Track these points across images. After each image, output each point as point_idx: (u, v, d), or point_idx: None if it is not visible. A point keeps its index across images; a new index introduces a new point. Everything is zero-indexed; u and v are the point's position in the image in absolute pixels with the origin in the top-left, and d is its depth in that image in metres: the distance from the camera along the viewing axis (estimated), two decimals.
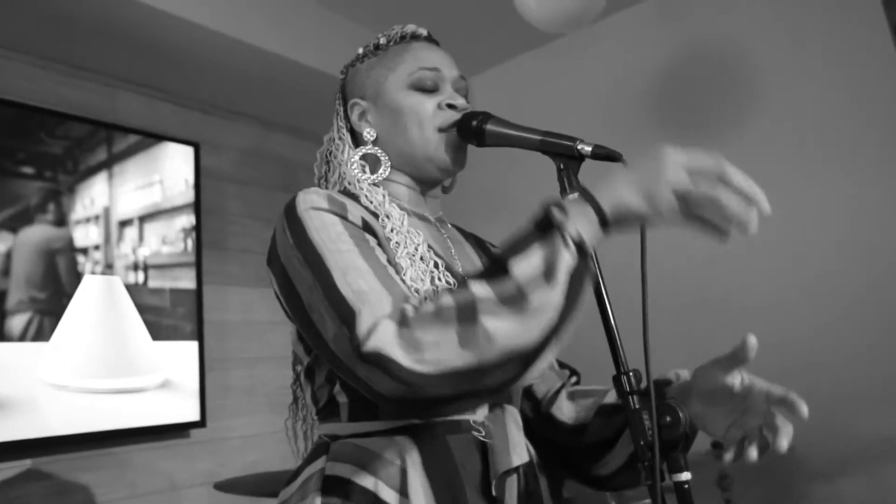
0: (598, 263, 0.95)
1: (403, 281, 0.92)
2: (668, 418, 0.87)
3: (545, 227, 0.82)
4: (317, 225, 0.92)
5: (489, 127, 1.06)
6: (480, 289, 0.79)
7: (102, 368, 2.42)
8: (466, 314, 0.77)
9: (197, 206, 2.82)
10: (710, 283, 2.74)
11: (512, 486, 0.96)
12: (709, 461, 2.35)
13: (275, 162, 3.33)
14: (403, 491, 0.90)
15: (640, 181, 0.83)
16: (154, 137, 2.76)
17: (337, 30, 2.97)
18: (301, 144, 3.37)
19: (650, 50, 3.00)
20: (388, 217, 1.00)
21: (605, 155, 0.98)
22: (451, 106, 1.09)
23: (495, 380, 0.78)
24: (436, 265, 0.99)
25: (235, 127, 3.22)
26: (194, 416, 2.65)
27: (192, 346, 2.70)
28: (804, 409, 0.90)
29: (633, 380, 0.91)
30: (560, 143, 1.00)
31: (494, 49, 3.42)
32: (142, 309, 2.57)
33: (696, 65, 2.88)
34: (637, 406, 0.89)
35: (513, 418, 1.00)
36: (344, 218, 0.95)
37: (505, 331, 0.76)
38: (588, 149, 0.99)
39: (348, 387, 0.95)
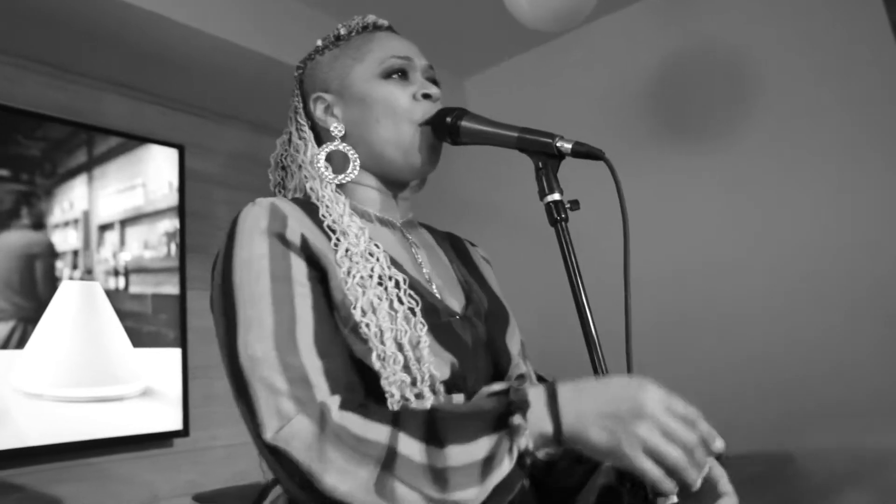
0: (579, 272, 0.89)
1: (352, 316, 0.86)
2: None
3: (501, 422, 0.75)
4: (243, 260, 0.87)
5: (464, 123, 1.00)
6: (413, 447, 0.74)
7: (80, 376, 2.35)
8: (387, 464, 0.73)
9: (181, 210, 2.75)
10: (708, 289, 2.69)
11: None
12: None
13: (264, 166, 3.24)
14: None
15: (613, 424, 0.74)
16: (136, 139, 2.70)
17: (328, 31, 2.91)
18: None
19: (646, 50, 2.96)
20: (343, 235, 0.92)
21: (585, 153, 0.93)
22: (426, 96, 1.03)
23: None
24: (396, 284, 0.91)
25: (224, 130, 3.16)
26: (177, 425, 2.58)
27: (174, 354, 2.63)
28: None
29: None
30: (538, 139, 0.95)
31: (488, 51, 3.37)
32: (122, 315, 2.50)
33: (693, 65, 2.84)
34: None
35: None
36: (280, 237, 0.88)
37: (407, 498, 0.72)
38: (568, 146, 0.93)
39: None
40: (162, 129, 2.87)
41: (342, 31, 1.11)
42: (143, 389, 2.51)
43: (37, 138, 2.39)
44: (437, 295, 1.00)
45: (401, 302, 0.90)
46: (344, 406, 0.78)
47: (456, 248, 1.19)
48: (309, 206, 0.96)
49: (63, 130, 2.48)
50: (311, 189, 1.01)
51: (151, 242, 2.65)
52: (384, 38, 1.08)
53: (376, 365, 0.85)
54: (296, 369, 0.80)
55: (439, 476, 0.73)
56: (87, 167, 2.51)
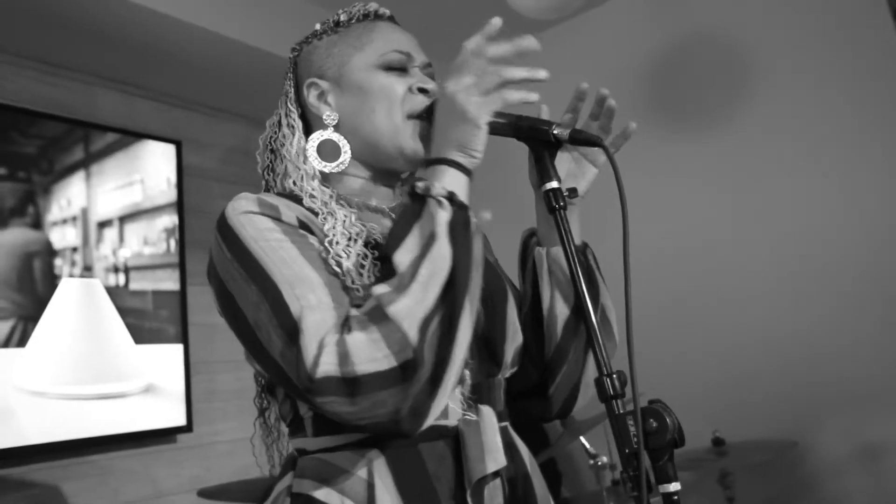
0: (576, 260, 0.88)
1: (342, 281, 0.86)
2: (654, 423, 0.80)
3: (416, 200, 0.83)
4: (252, 234, 0.86)
5: None
6: (381, 289, 0.78)
7: (83, 374, 2.35)
8: (379, 313, 0.76)
9: (180, 206, 2.75)
10: (707, 274, 2.70)
11: (496, 494, 0.90)
12: (710, 459, 2.31)
13: None
14: None
15: (454, 111, 0.87)
16: (133, 135, 2.69)
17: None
18: None
19: (642, 38, 2.96)
20: (330, 215, 0.92)
21: (584, 139, 0.92)
22: (422, 90, 1.02)
23: (439, 360, 0.76)
24: (374, 262, 0.90)
25: (220, 125, 3.15)
26: (180, 420, 2.59)
27: (176, 350, 2.64)
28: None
29: (616, 383, 0.84)
30: (535, 127, 0.93)
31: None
32: (123, 312, 2.50)
33: (689, 53, 2.84)
34: (621, 410, 0.83)
35: (489, 421, 0.93)
36: (277, 220, 0.88)
37: (408, 308, 0.76)
38: (565, 133, 0.92)
39: None
40: (157, 124, 2.87)
41: (342, 18, 1.08)
42: (146, 386, 2.51)
43: (33, 135, 2.38)
44: None
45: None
46: (355, 314, 0.80)
47: None
48: (295, 198, 0.96)
49: (59, 127, 2.47)
50: (293, 183, 0.99)
51: (151, 238, 2.64)
52: (386, 29, 1.07)
53: None
54: (346, 307, 0.81)
55: (405, 275, 0.78)
56: (85, 164, 2.51)
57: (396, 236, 0.81)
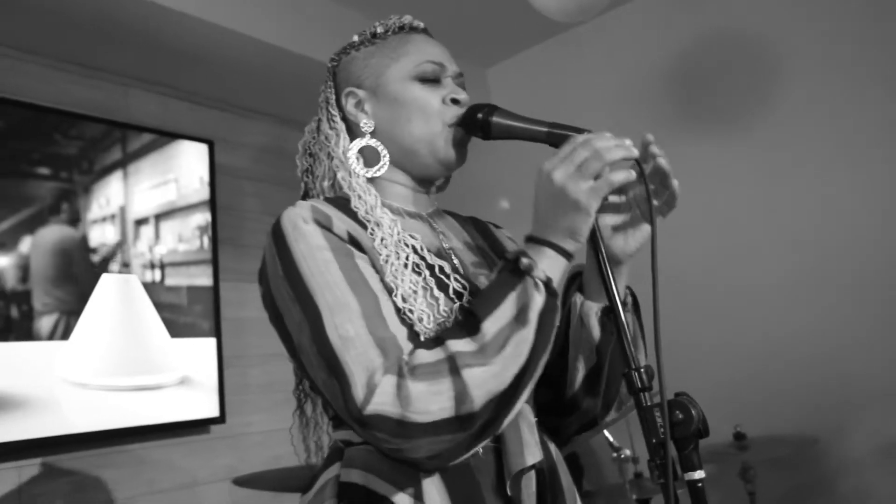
0: (608, 260, 0.94)
1: (395, 302, 0.91)
2: (679, 415, 0.86)
3: (516, 275, 0.89)
4: (303, 251, 0.91)
5: (495, 119, 1.03)
6: (461, 344, 0.85)
7: (121, 366, 2.44)
8: (453, 369, 0.83)
9: (212, 204, 2.83)
10: (730, 271, 2.71)
11: (529, 485, 0.96)
12: (732, 453, 2.34)
13: (291, 159, 3.31)
14: (418, 496, 0.89)
15: (564, 203, 0.89)
16: (168, 136, 2.77)
17: (351, 25, 2.93)
18: None
19: (667, 37, 2.97)
20: (377, 226, 0.97)
21: None
22: (455, 101, 1.07)
23: (486, 423, 0.84)
24: (430, 271, 0.97)
25: (251, 124, 3.22)
26: (214, 412, 2.67)
27: (210, 343, 2.72)
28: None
29: (644, 376, 0.89)
30: (568, 134, 0.98)
31: (510, 41, 3.40)
32: (159, 307, 2.59)
33: (714, 52, 2.85)
34: (649, 403, 0.88)
35: (525, 419, 0.99)
36: (328, 230, 0.93)
37: (482, 378, 0.83)
38: None
39: None
40: (190, 124, 2.94)
41: (379, 30, 1.14)
42: (181, 378, 2.60)
43: (73, 137, 2.47)
44: (471, 280, 1.04)
45: (443, 288, 0.96)
46: (411, 352, 0.86)
47: (481, 232, 1.22)
48: (342, 203, 1.01)
49: (98, 129, 2.56)
50: (342, 179, 1.05)
51: (185, 236, 2.72)
52: (420, 41, 1.12)
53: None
54: (388, 341, 0.86)
55: (490, 345, 0.84)
56: (123, 164, 2.59)
57: (490, 301, 0.88)
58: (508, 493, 0.92)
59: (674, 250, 2.56)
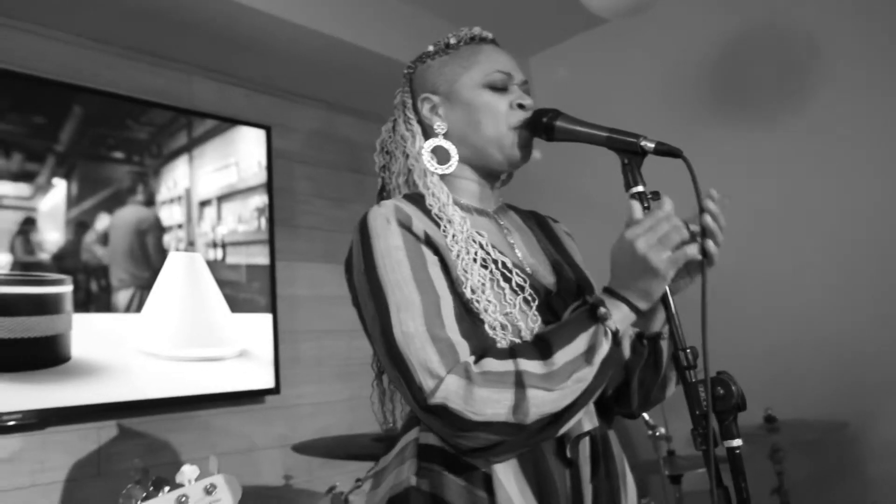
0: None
1: (463, 294, 1.04)
2: (721, 391, 0.97)
3: (592, 319, 1.01)
4: (382, 249, 1.05)
5: (559, 123, 1.15)
6: (532, 365, 0.97)
7: (187, 338, 2.61)
8: (519, 383, 0.95)
9: (269, 187, 2.98)
10: (763, 258, 2.75)
11: (585, 448, 1.08)
12: (762, 435, 2.42)
13: (341, 143, 3.46)
14: None
15: (643, 271, 1.00)
16: (229, 122, 2.92)
17: (398, 15, 3.08)
18: (365, 126, 3.50)
19: (707, 29, 3.01)
20: (450, 223, 1.10)
21: (666, 151, 1.06)
22: (521, 106, 1.19)
23: (531, 433, 0.96)
24: (496, 265, 1.09)
25: (303, 110, 3.35)
26: (269, 383, 2.84)
27: (266, 319, 2.88)
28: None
29: (690, 356, 1.01)
30: (625, 139, 1.09)
31: (552, 30, 3.47)
32: (221, 283, 2.75)
33: (752, 45, 2.87)
34: (694, 380, 0.99)
35: None
36: (408, 230, 1.06)
37: (543, 400, 0.95)
38: (651, 145, 1.07)
39: None
40: (246, 110, 3.08)
41: (452, 41, 1.26)
42: (240, 351, 2.76)
43: (144, 123, 2.63)
44: (531, 273, 1.16)
45: (507, 281, 1.08)
46: (478, 358, 0.98)
47: (541, 226, 1.34)
48: (418, 200, 1.14)
49: (165, 115, 2.71)
50: (417, 178, 1.18)
51: (244, 217, 2.88)
52: (490, 51, 1.24)
53: (489, 332, 1.04)
54: (443, 341, 0.99)
55: (557, 375, 0.96)
56: (188, 148, 2.75)
57: (565, 335, 1.00)
58: (567, 454, 1.05)
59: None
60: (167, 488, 1.46)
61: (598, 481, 1.08)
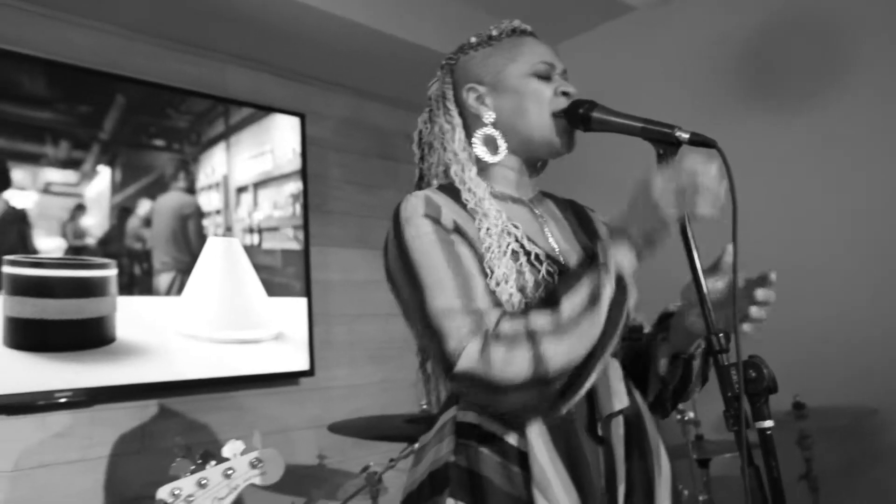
0: (694, 239, 1.08)
1: (488, 285, 1.08)
2: (752, 373, 1.00)
3: (595, 264, 1.03)
4: (413, 236, 1.10)
5: (595, 114, 1.18)
6: (542, 320, 1.00)
7: (225, 321, 2.69)
8: (531, 340, 0.98)
9: (303, 173, 3.05)
10: (792, 244, 2.74)
11: (617, 427, 1.12)
12: (790, 421, 2.43)
13: (371, 130, 3.51)
14: (524, 433, 1.06)
15: (648, 208, 1.03)
16: (264, 109, 2.98)
17: (427, 3, 3.10)
18: (395, 113, 3.54)
19: (736, 17, 2.97)
20: (485, 216, 1.14)
21: (700, 141, 1.08)
22: (564, 93, 1.23)
23: (559, 389, 0.98)
24: (536, 257, 1.13)
25: (334, 98, 3.40)
26: (304, 365, 2.91)
27: (301, 303, 2.95)
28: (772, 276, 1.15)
29: (721, 340, 1.04)
30: (660, 130, 1.11)
31: (581, 16, 3.47)
32: (257, 268, 2.83)
33: (783, 32, 2.84)
34: (726, 363, 1.03)
35: (614, 370, 1.15)
36: (437, 221, 1.10)
37: (556, 351, 0.97)
38: (686, 136, 1.09)
39: None
40: (279, 98, 3.14)
41: (494, 33, 1.30)
42: (276, 334, 2.84)
43: (184, 111, 2.70)
44: (564, 262, 1.20)
45: (535, 272, 1.12)
46: (496, 322, 1.02)
47: (578, 216, 1.38)
48: (453, 192, 1.18)
49: (204, 103, 2.78)
50: (455, 171, 1.22)
51: (279, 203, 2.95)
52: (532, 43, 1.28)
53: None
54: (475, 312, 1.03)
55: (566, 324, 0.98)
56: (226, 136, 2.82)
57: (569, 284, 1.02)
58: (599, 433, 1.09)
59: (741, 226, 2.64)
60: (213, 462, 1.54)
61: (631, 461, 1.12)
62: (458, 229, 1.11)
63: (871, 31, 2.64)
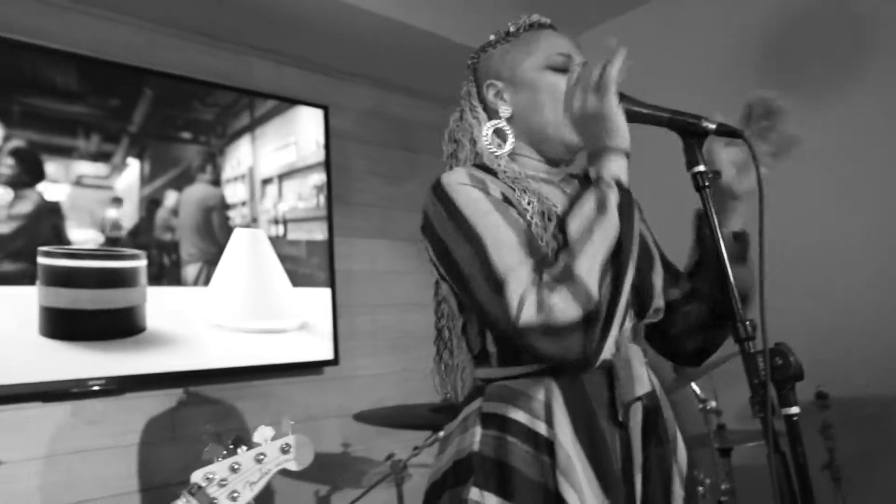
0: (719, 228, 1.09)
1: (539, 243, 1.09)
2: (779, 360, 1.01)
3: (589, 182, 1.09)
4: (465, 201, 1.11)
5: (622, 105, 1.19)
6: (564, 254, 1.04)
7: (251, 311, 2.74)
8: (567, 276, 1.01)
9: (327, 165, 3.08)
10: (816, 232, 2.74)
11: (637, 413, 1.14)
12: (812, 411, 2.44)
13: (392, 121, 3.54)
14: (549, 421, 1.09)
15: (586, 120, 1.10)
16: (288, 102, 3.01)
17: None
18: (417, 104, 3.56)
19: (758, 6, 2.97)
20: (524, 192, 1.16)
21: (728, 131, 1.10)
22: None
23: (604, 309, 1.01)
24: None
25: (356, 89, 3.42)
26: (328, 355, 2.95)
27: (325, 293, 2.99)
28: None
29: (748, 328, 1.05)
30: (687, 120, 1.12)
31: (603, 5, 3.47)
32: (282, 258, 2.87)
33: (806, 21, 2.83)
34: (752, 350, 1.04)
35: (636, 355, 1.18)
36: (486, 192, 1.12)
37: (584, 270, 1.01)
38: (712, 126, 1.10)
39: (497, 338, 1.15)
40: (302, 90, 3.17)
41: (512, 29, 1.31)
42: (301, 324, 2.88)
43: (210, 104, 2.74)
44: None
45: None
46: (541, 273, 1.04)
47: None
48: (490, 170, 1.20)
49: (229, 96, 2.82)
50: (487, 160, 1.24)
51: (304, 194, 2.99)
52: (550, 35, 1.29)
53: None
54: (535, 263, 1.05)
55: (577, 241, 1.03)
56: (251, 128, 2.86)
57: (574, 207, 1.06)
58: (619, 419, 1.11)
59: (767, 212, 2.63)
60: (244, 447, 1.58)
61: (649, 449, 1.14)
62: (505, 196, 1.14)
63: (894, 18, 2.62)
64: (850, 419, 2.55)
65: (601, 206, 1.03)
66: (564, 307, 0.99)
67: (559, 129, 1.23)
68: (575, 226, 1.04)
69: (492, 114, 1.29)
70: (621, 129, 1.08)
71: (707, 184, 1.10)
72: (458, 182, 1.13)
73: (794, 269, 2.74)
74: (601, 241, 1.02)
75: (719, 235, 1.09)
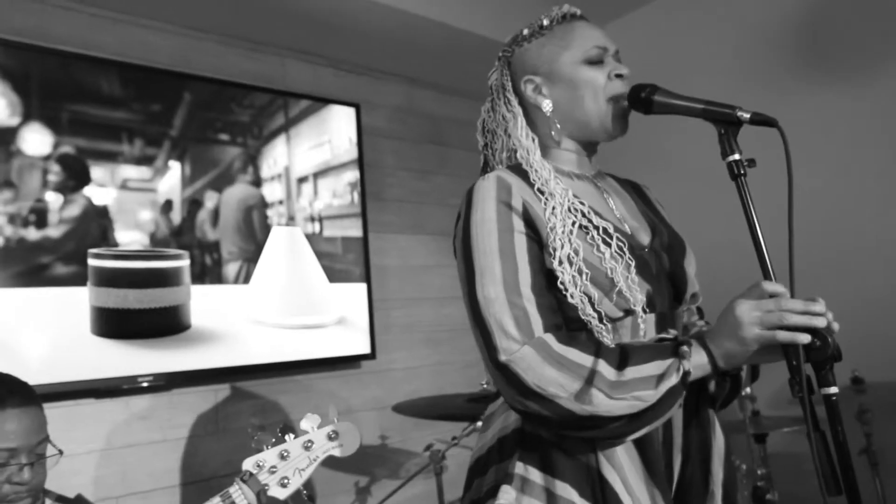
0: (755, 216, 1.12)
1: (552, 265, 1.13)
2: (817, 342, 1.04)
3: (673, 351, 1.08)
4: (477, 220, 1.17)
5: (657, 98, 1.22)
6: (607, 369, 1.05)
7: (290, 307, 2.80)
8: (589, 380, 1.05)
9: (360, 162, 3.13)
10: (851, 216, 2.73)
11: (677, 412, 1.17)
12: (849, 396, 2.44)
13: (422, 117, 3.58)
14: None
15: (731, 334, 1.06)
16: (321, 101, 3.07)
17: None
18: (446, 100, 3.60)
19: None
20: (551, 196, 1.19)
21: (761, 121, 1.12)
22: (618, 76, 1.27)
23: (577, 424, 1.06)
24: (596, 231, 1.17)
25: (387, 86, 3.47)
26: (365, 349, 3.01)
27: (361, 288, 3.05)
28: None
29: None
30: (721, 111, 1.15)
31: None
32: (319, 255, 2.93)
33: (843, 1, 2.83)
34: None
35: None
36: (507, 204, 1.16)
37: (600, 402, 1.04)
38: (747, 115, 1.13)
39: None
40: (335, 89, 3.23)
41: (545, 22, 1.33)
42: (339, 319, 2.94)
43: (246, 106, 2.81)
44: (630, 233, 1.25)
45: (607, 244, 1.16)
46: (560, 340, 1.08)
47: (637, 192, 1.43)
48: (522, 172, 1.23)
49: (264, 97, 2.88)
50: (520, 155, 1.27)
51: (338, 192, 3.05)
52: (583, 27, 1.31)
53: (570, 302, 1.12)
54: (519, 308, 1.09)
55: (622, 385, 1.04)
56: (286, 128, 2.92)
57: (643, 356, 1.08)
58: None
59: (797, 198, 2.63)
60: (292, 435, 1.64)
61: (689, 431, 1.18)
62: (526, 212, 1.17)
63: None
64: (888, 404, 2.54)
65: (659, 380, 1.06)
66: (554, 389, 1.05)
67: (600, 119, 1.26)
68: (631, 371, 1.06)
69: (528, 107, 1.32)
70: (735, 360, 1.08)
71: (743, 171, 1.13)
72: (485, 197, 1.18)
73: (830, 254, 2.73)
74: (627, 404, 1.05)
75: (755, 220, 1.12)
